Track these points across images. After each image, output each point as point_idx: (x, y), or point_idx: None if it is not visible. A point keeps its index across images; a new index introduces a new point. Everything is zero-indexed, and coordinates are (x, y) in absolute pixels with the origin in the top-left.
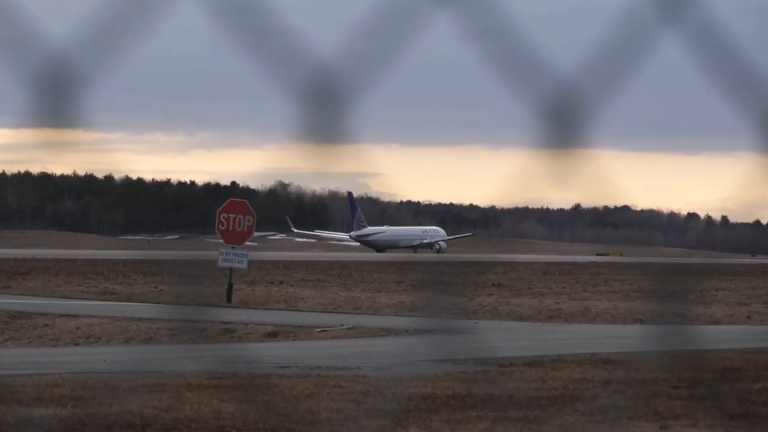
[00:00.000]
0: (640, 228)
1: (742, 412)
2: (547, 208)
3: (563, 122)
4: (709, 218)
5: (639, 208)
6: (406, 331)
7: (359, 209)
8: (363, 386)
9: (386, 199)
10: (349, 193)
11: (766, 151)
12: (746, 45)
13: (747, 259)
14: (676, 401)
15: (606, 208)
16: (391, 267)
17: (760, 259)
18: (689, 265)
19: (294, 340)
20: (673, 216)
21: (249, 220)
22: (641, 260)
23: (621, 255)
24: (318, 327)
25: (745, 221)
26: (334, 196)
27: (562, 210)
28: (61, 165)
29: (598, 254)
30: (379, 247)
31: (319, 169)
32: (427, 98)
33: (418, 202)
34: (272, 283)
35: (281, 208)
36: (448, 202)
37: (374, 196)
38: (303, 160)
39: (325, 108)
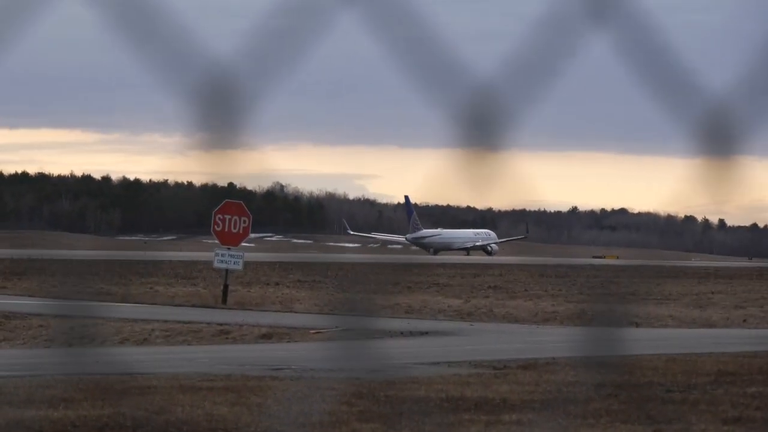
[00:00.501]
0: (637, 231)
1: (735, 417)
2: (545, 210)
3: (482, 126)
4: (706, 221)
5: (636, 211)
6: (401, 333)
7: (415, 212)
8: (356, 388)
9: (383, 200)
10: (406, 197)
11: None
12: (679, 46)
13: (744, 262)
14: (669, 405)
15: (603, 210)
16: (387, 268)
17: (757, 263)
18: (686, 268)
19: (289, 341)
20: (670, 219)
21: (245, 221)
22: (638, 263)
23: (618, 258)
24: (313, 329)
25: (743, 224)
26: (331, 197)
27: (559, 212)
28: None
29: (594, 257)
30: (433, 248)
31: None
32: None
33: (415, 204)
34: (268, 284)
35: (278, 209)
36: (445, 204)
37: (371, 197)
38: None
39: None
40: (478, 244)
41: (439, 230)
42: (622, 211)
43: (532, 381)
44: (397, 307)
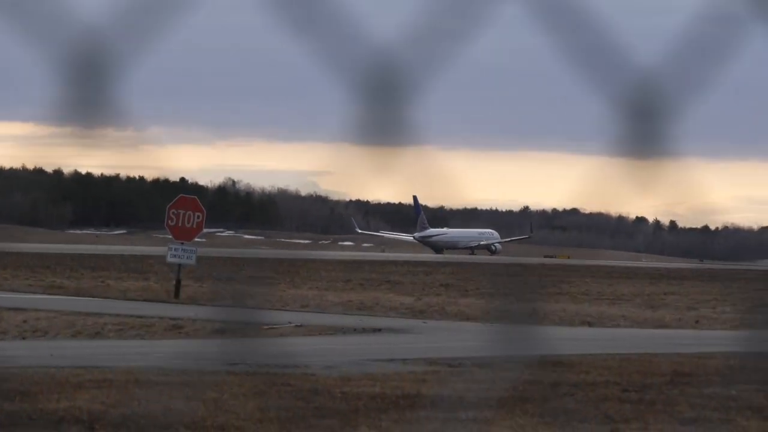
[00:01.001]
0: (588, 231)
1: (692, 417)
2: (497, 210)
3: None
4: (657, 223)
5: (588, 211)
6: (354, 329)
7: (422, 212)
8: (311, 384)
9: (335, 197)
10: (414, 197)
11: (622, 141)
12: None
13: (695, 264)
14: (626, 405)
15: (555, 210)
16: (339, 266)
17: (708, 264)
18: (637, 269)
19: (242, 337)
20: (621, 220)
21: (199, 217)
22: (589, 263)
23: (569, 257)
24: (266, 324)
25: (694, 226)
26: (283, 193)
27: (511, 212)
28: (9, 159)
29: (546, 256)
30: (439, 247)
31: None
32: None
33: (368, 202)
34: (220, 279)
35: (230, 204)
36: (397, 201)
37: (323, 194)
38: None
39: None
40: (482, 243)
41: (445, 229)
42: (574, 211)
43: (488, 379)
44: (349, 304)
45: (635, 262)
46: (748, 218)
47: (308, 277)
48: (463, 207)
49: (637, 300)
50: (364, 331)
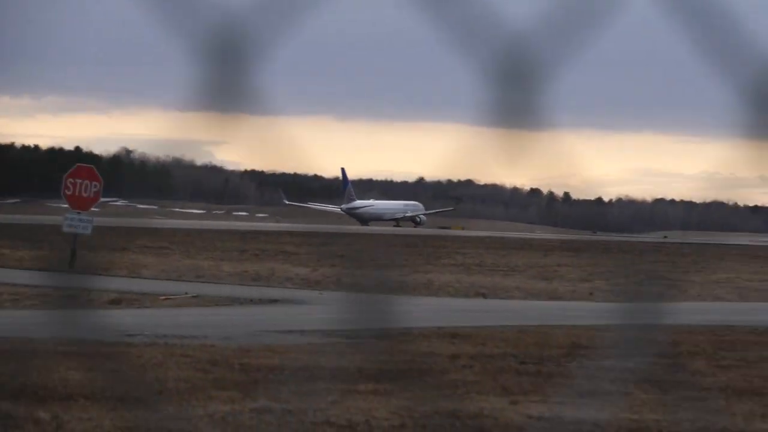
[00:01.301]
0: (483, 202)
1: (591, 390)
2: (391, 181)
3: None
4: (551, 194)
5: (482, 182)
6: (251, 300)
7: (350, 184)
8: (210, 355)
9: (230, 167)
10: (342, 169)
11: (749, 128)
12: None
13: (588, 236)
14: (524, 377)
15: (450, 181)
16: (234, 236)
17: (601, 236)
18: (531, 240)
19: (139, 307)
20: (516, 191)
21: (96, 186)
22: (484, 234)
23: (463, 228)
24: (162, 295)
25: (587, 198)
26: (177, 163)
27: (405, 182)
28: None
29: (440, 227)
30: (365, 219)
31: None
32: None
33: (263, 172)
34: (114, 249)
35: (124, 174)
36: (292, 172)
37: (218, 164)
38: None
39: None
40: (407, 215)
41: (371, 201)
42: (468, 182)
43: (386, 350)
44: (244, 274)
45: (529, 234)
46: (642, 190)
47: (203, 247)
48: (359, 178)
49: (530, 271)
50: (261, 302)
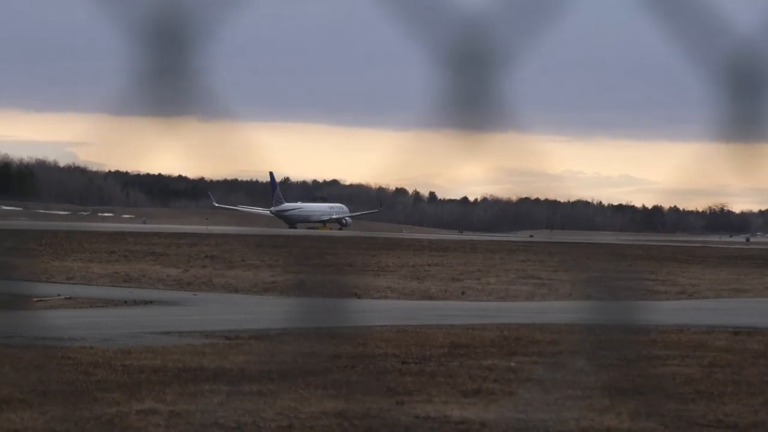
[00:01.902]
0: (348, 202)
1: (474, 389)
2: (257, 181)
3: None
4: (417, 194)
5: (348, 183)
6: (125, 302)
7: (278, 187)
8: (91, 357)
9: (94, 168)
10: (271, 173)
11: (725, 107)
12: None
13: (455, 236)
14: (408, 377)
15: (315, 182)
16: (102, 237)
17: (468, 236)
18: (401, 240)
19: (11, 309)
20: (381, 191)
21: None
22: (352, 234)
23: (330, 228)
24: (35, 297)
25: (453, 197)
26: (41, 164)
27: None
28: None
29: (308, 227)
30: (293, 221)
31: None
32: None
33: (127, 173)
34: None
35: None
36: (156, 173)
37: (82, 165)
38: None
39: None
40: (333, 217)
41: (299, 204)
42: (334, 183)
43: (267, 351)
44: (115, 275)
45: (397, 234)
46: (507, 189)
47: (71, 249)
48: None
49: (402, 271)
50: (135, 303)
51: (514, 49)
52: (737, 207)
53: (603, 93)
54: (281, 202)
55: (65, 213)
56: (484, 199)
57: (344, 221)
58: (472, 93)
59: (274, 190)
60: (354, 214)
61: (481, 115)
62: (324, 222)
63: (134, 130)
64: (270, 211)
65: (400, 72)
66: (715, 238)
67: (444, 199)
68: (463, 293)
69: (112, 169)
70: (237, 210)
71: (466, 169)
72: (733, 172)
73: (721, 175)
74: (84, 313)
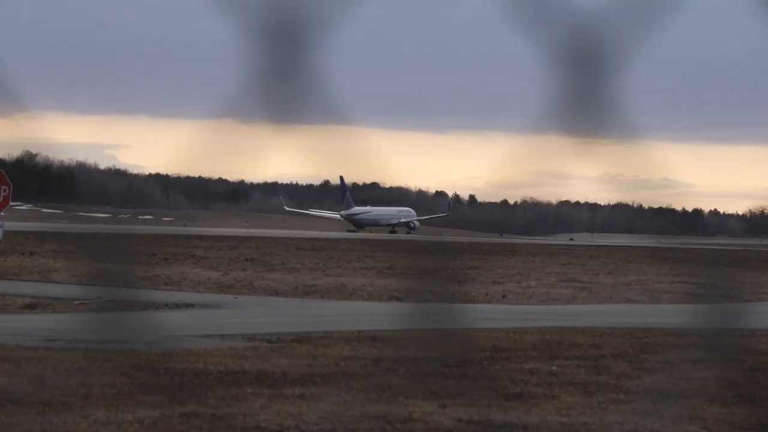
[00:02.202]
0: (389, 205)
1: (517, 393)
2: (296, 184)
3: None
4: (456, 197)
5: (388, 185)
6: (166, 304)
7: (348, 191)
8: (134, 360)
9: (134, 171)
10: (341, 177)
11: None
12: None
13: (496, 238)
14: (450, 380)
15: (355, 184)
16: (142, 240)
17: (508, 239)
18: (443, 244)
19: (54, 312)
20: (421, 194)
21: (5, 190)
22: (394, 238)
23: (372, 232)
24: (77, 299)
25: (493, 201)
26: (81, 167)
27: (311, 185)
28: None
29: (348, 230)
30: (362, 224)
31: None
32: None
33: (167, 175)
34: (23, 254)
35: (27, 178)
36: (197, 175)
37: (122, 168)
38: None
39: None
40: (402, 220)
41: (368, 208)
42: (373, 185)
43: (309, 354)
44: (156, 278)
45: (436, 237)
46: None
47: (113, 252)
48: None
49: (442, 274)
50: (177, 306)
51: (628, 49)
52: None
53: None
54: (351, 206)
55: (105, 215)
56: (524, 202)
57: (413, 225)
58: (585, 94)
59: (343, 194)
60: (422, 218)
61: (593, 117)
62: (393, 225)
63: (175, 132)
64: (340, 215)
65: (510, 74)
66: (755, 241)
67: (483, 202)
68: (503, 296)
69: (153, 172)
70: (308, 214)
71: (506, 171)
72: None
73: None
74: (127, 316)
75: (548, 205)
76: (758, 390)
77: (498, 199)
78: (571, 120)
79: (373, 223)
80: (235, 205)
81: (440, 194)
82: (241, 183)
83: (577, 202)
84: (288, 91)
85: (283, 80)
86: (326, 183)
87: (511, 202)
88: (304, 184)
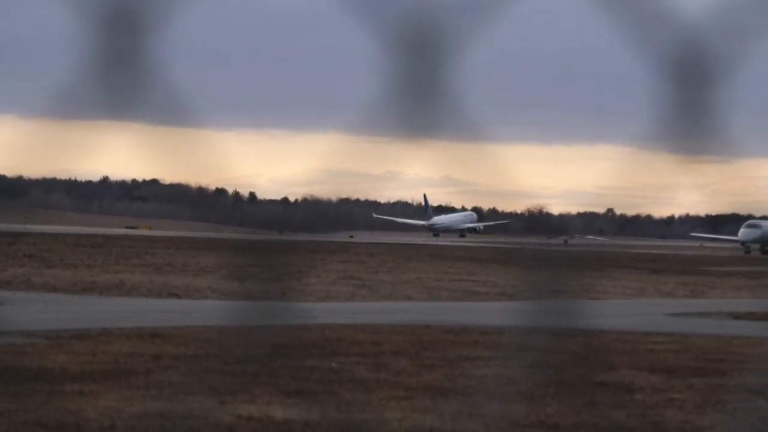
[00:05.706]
0: (168, 202)
1: (297, 389)
2: (75, 180)
3: None
4: (237, 194)
5: (168, 182)
6: None
7: (429, 206)
8: None
9: None
10: (424, 195)
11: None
12: None
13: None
14: (230, 377)
15: (134, 181)
16: None
17: (288, 236)
18: (219, 241)
19: None
20: (201, 191)
21: None
22: (172, 234)
23: (150, 228)
24: None
25: (274, 198)
26: None
27: (90, 182)
28: None
29: (127, 227)
30: (439, 231)
31: None
32: None
33: None
34: None
35: None
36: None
37: None
38: None
39: None
40: (468, 225)
41: (442, 217)
42: (154, 182)
43: (88, 351)
44: None
45: (216, 234)
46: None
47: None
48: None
49: (222, 271)
50: None
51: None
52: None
53: None
54: (431, 217)
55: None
56: (305, 200)
57: (478, 229)
58: (691, 106)
59: (426, 207)
60: (487, 223)
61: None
62: (462, 230)
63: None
64: (424, 224)
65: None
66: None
67: (264, 199)
68: (282, 294)
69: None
70: (394, 221)
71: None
72: None
73: None
74: None
75: (328, 203)
76: (537, 387)
77: (279, 196)
78: (678, 135)
79: (447, 229)
80: (13, 201)
81: (221, 191)
82: (20, 178)
83: (358, 200)
84: (426, 108)
85: (419, 96)
86: (105, 179)
87: (292, 199)
88: (83, 180)
